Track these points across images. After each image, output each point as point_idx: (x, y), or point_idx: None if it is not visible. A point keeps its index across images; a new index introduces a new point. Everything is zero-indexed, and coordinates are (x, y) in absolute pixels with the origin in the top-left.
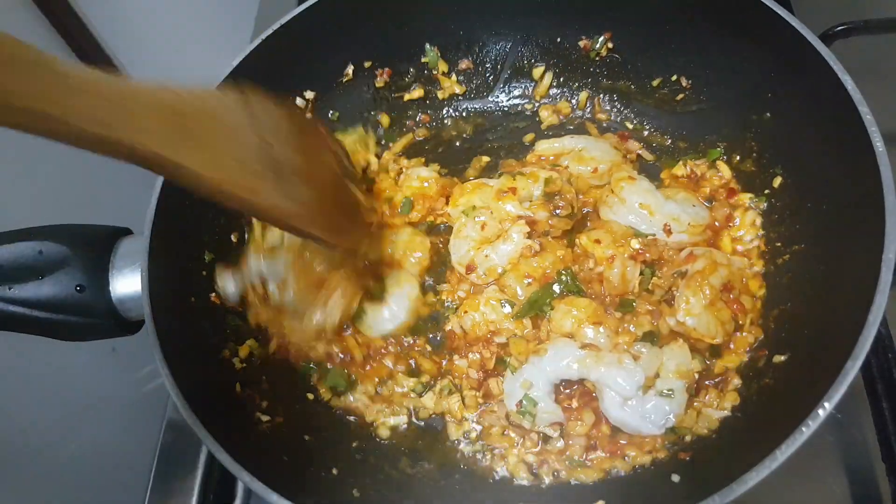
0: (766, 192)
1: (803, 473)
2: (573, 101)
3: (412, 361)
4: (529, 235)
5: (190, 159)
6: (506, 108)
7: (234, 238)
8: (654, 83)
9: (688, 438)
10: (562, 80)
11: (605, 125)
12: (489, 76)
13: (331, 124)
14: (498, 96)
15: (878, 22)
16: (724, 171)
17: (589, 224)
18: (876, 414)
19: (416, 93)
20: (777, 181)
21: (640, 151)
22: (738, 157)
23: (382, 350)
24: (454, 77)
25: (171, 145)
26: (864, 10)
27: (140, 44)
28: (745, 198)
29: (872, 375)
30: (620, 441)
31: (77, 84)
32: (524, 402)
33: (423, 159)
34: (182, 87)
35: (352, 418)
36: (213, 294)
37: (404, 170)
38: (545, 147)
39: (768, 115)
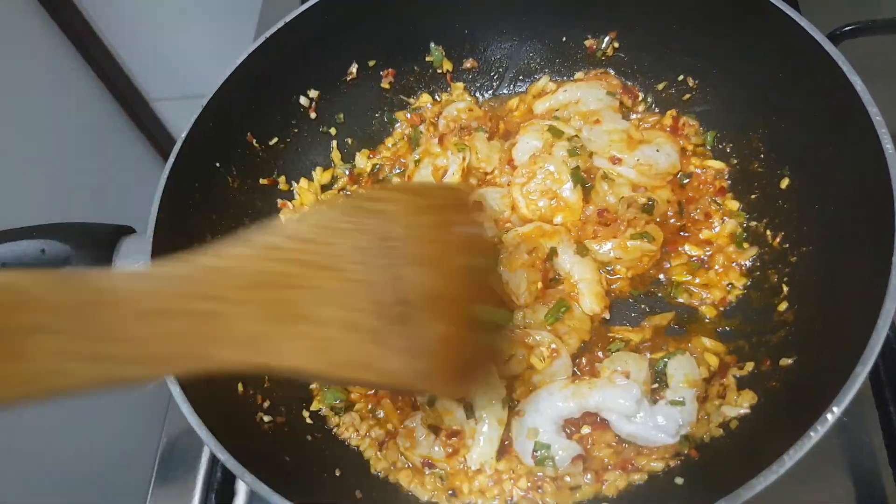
0: (753, 195)
1: (809, 477)
2: None
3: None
4: None
5: (290, 353)
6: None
7: None
8: (661, 83)
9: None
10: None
11: None
12: (494, 75)
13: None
14: (503, 95)
15: (887, 22)
16: (717, 165)
17: None
18: (883, 418)
19: (423, 99)
20: (784, 182)
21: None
22: (736, 159)
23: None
24: (463, 85)
25: (265, 344)
26: (873, 10)
27: (144, 42)
28: (732, 205)
29: (880, 379)
30: (630, 454)
31: (139, 309)
32: (538, 450)
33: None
34: (279, 232)
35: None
36: None
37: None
38: (543, 108)
39: (775, 115)
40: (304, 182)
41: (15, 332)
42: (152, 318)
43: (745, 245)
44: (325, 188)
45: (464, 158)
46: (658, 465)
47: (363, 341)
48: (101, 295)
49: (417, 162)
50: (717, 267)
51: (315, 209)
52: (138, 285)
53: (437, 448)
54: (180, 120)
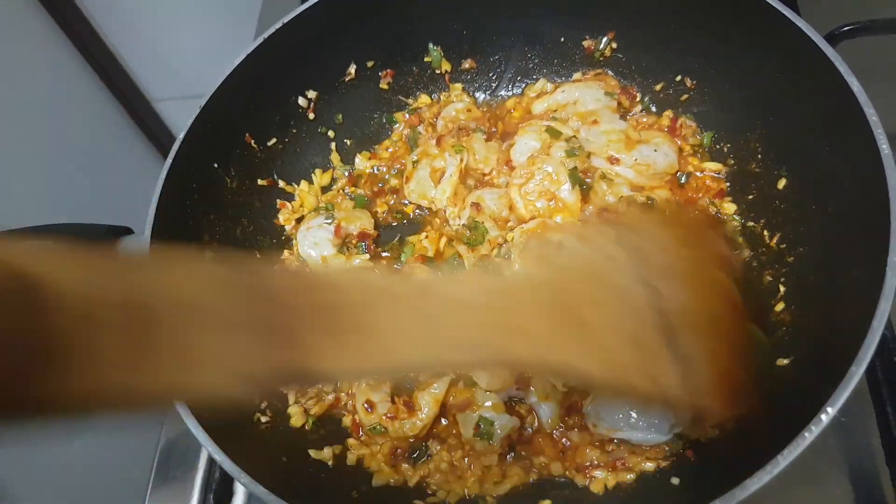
0: (750, 195)
1: (805, 477)
2: None
3: None
4: None
5: (581, 355)
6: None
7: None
8: (659, 84)
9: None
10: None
11: None
12: (492, 76)
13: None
14: (501, 96)
15: (885, 22)
16: (714, 166)
17: None
18: (880, 417)
19: (422, 100)
20: (782, 183)
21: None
22: (734, 159)
23: None
24: (462, 86)
25: (559, 343)
26: (871, 11)
27: (144, 41)
28: (730, 208)
29: (877, 379)
30: (619, 456)
31: None
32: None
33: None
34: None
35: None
36: None
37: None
38: (542, 108)
39: (773, 116)
40: (304, 184)
41: None
42: None
43: (741, 241)
44: (324, 190)
45: (461, 160)
46: (650, 465)
47: (640, 349)
48: None
49: (415, 163)
50: None
51: (576, 224)
52: None
53: None
54: (182, 120)
